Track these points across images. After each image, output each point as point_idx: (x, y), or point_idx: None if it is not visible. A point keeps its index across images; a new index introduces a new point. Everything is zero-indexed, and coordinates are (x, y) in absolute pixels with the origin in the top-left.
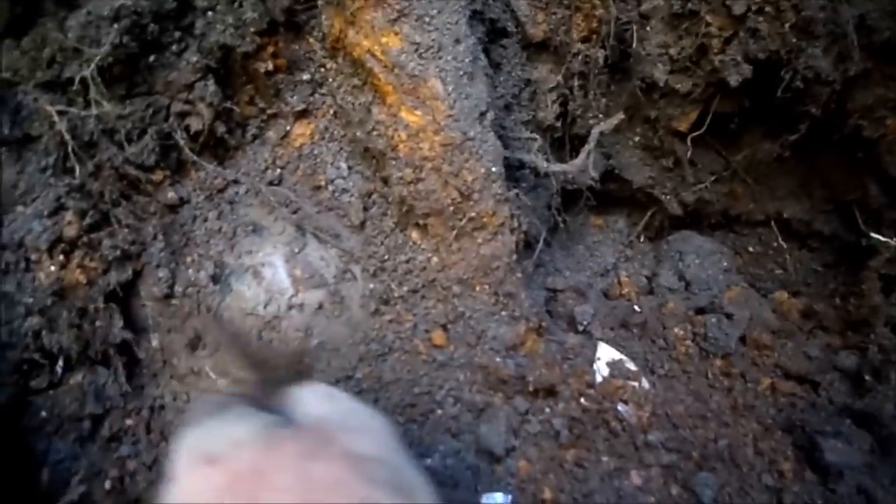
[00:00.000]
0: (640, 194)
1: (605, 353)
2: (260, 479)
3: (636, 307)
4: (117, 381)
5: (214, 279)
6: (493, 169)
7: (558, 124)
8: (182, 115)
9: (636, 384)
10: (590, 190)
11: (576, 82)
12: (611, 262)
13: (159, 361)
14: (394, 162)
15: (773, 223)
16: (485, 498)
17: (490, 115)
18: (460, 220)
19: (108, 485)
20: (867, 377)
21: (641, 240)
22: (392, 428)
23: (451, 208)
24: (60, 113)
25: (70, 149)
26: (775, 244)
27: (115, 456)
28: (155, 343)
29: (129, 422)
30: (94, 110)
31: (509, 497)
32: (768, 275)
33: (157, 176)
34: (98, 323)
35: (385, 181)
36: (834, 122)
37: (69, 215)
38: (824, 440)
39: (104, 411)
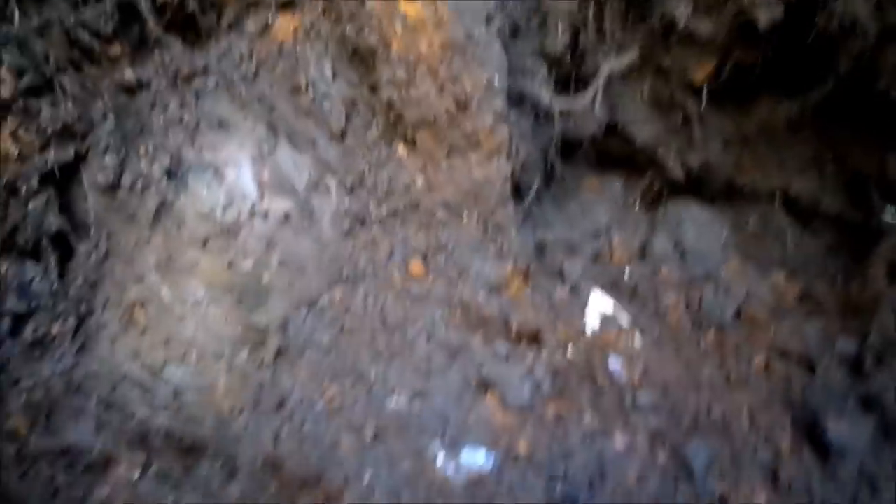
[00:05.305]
0: (642, 155)
1: (598, 303)
2: None
3: (627, 270)
4: (48, 279)
5: (169, 174)
6: (497, 79)
7: (566, 57)
8: None
9: (628, 339)
10: (590, 143)
11: (590, 11)
12: (604, 225)
13: (97, 262)
14: (385, 60)
15: (777, 199)
16: (465, 454)
17: (497, 22)
18: (454, 134)
19: (23, 397)
20: (867, 362)
21: (637, 206)
22: None
23: (446, 119)
24: None
25: None
26: (777, 223)
27: (34, 366)
28: (95, 240)
29: (55, 328)
30: None
31: (493, 455)
32: (766, 254)
33: (115, 49)
34: (30, 206)
35: (372, 89)
36: (860, 85)
37: (3, 71)
38: (828, 419)
39: (28, 311)
